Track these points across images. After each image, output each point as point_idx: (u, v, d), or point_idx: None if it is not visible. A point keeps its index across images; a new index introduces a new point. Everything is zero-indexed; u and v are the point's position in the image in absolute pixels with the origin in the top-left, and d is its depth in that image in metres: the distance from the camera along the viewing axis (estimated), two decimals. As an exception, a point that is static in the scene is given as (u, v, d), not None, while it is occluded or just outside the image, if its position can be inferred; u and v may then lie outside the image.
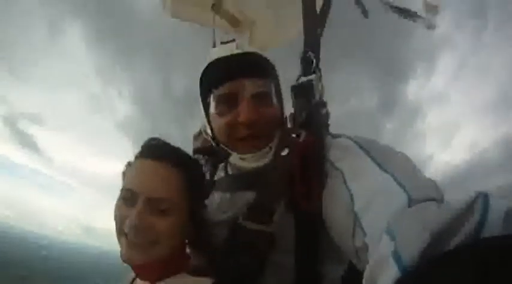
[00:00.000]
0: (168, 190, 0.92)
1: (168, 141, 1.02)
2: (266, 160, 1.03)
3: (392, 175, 0.75)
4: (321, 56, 1.23)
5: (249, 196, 1.02)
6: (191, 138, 1.39)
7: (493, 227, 0.47)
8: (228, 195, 1.10)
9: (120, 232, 0.91)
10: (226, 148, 1.06)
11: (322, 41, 1.30)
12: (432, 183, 0.74)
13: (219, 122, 1.03)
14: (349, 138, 0.96)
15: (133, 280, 1.03)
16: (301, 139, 1.03)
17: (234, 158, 1.05)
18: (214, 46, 1.62)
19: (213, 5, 2.18)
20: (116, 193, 0.96)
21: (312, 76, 1.16)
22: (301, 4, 1.40)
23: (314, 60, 1.20)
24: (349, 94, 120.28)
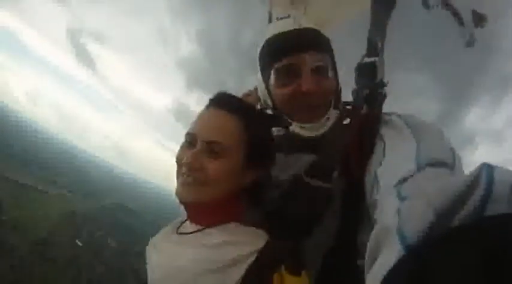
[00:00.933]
0: (224, 134, 0.95)
1: (223, 89, 1.06)
2: (325, 129, 1.09)
3: (418, 144, 0.82)
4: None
5: (311, 157, 1.07)
6: (248, 87, 1.36)
7: (499, 200, 0.44)
8: (286, 156, 1.14)
9: (178, 172, 0.97)
10: (286, 118, 1.11)
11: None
12: (448, 149, 0.81)
13: (281, 92, 1.09)
14: (399, 116, 1.01)
15: (183, 222, 1.07)
16: (363, 112, 1.10)
17: (294, 127, 1.10)
18: (270, 20, 1.65)
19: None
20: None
21: (376, 59, 1.18)
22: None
23: (379, 43, 1.20)
24: (408, 98, 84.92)
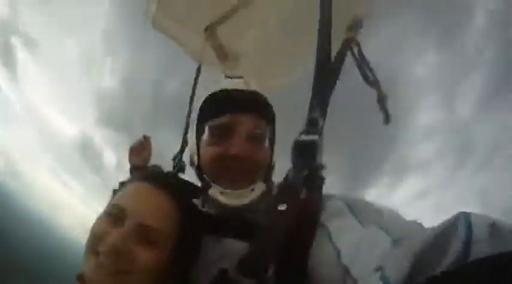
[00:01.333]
0: (161, 220, 0.83)
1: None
2: (246, 200, 0.97)
3: (376, 225, 0.76)
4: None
5: (240, 247, 0.89)
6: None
7: (481, 244, 0.45)
8: (211, 238, 0.97)
9: (92, 248, 0.79)
10: (208, 180, 1.01)
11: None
12: (416, 224, 0.75)
13: (211, 151, 1.00)
14: (340, 198, 0.95)
15: None
16: (302, 197, 0.95)
17: (214, 191, 0.99)
18: (197, 76, 1.64)
19: (207, 27, 1.92)
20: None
21: (316, 137, 1.03)
22: (297, 55, 1.46)
23: (320, 121, 1.08)
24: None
